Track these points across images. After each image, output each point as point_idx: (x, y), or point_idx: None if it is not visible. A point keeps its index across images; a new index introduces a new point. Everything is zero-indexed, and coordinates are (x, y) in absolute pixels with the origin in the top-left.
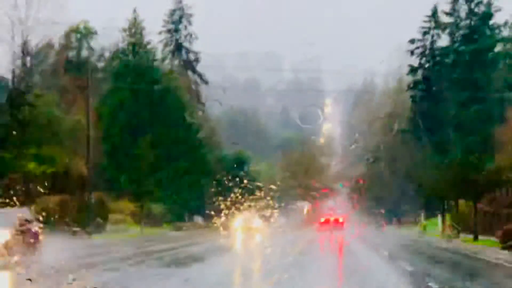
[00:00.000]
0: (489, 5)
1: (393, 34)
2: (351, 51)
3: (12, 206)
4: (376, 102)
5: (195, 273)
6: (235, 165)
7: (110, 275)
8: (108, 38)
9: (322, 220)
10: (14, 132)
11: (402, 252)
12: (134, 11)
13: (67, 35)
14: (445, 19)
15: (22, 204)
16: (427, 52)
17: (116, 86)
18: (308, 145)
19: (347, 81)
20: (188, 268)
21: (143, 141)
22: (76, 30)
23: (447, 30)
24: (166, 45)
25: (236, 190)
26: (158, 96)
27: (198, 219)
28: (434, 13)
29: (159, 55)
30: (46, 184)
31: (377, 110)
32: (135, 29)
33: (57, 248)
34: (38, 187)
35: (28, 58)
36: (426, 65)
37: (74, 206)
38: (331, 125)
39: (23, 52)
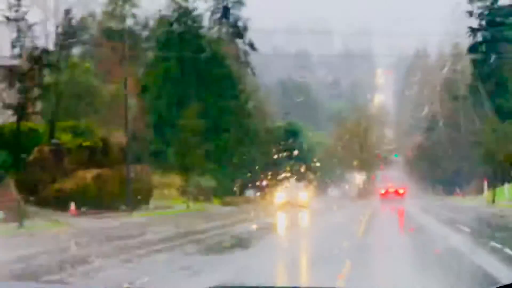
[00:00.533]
0: None
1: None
2: (402, 19)
3: None
4: (430, 70)
5: (238, 262)
6: (287, 136)
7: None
8: (152, 5)
9: (383, 191)
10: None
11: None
12: None
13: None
14: None
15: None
16: (487, 12)
17: (161, 55)
18: (361, 115)
19: (399, 51)
20: (230, 255)
21: (190, 112)
22: None
23: None
24: (213, 12)
25: (288, 162)
26: (205, 64)
27: (250, 193)
28: None
29: (206, 23)
30: (82, 157)
31: (433, 78)
32: None
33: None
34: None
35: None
36: (487, 26)
37: (114, 181)
38: (383, 96)
39: (65, 21)
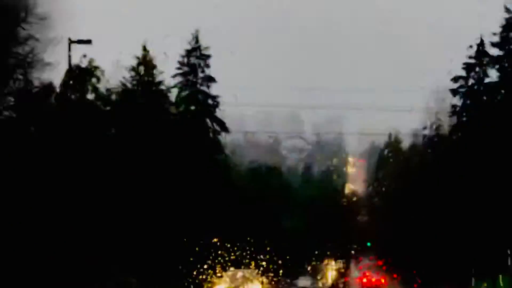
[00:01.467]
0: None
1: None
2: (374, 110)
3: None
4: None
5: None
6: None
7: None
8: (114, 80)
9: (365, 280)
10: None
11: None
12: (144, 48)
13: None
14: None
15: None
16: (472, 89)
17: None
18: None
19: (371, 140)
20: None
21: None
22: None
23: (496, 66)
24: (181, 89)
25: None
26: None
27: None
28: (480, 46)
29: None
30: None
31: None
32: (144, 67)
33: None
34: None
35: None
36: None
37: None
38: (355, 184)
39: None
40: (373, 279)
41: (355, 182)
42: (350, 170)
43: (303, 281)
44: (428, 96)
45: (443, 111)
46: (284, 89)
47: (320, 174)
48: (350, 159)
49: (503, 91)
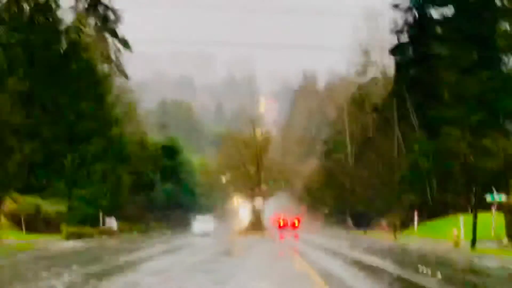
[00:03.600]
0: None
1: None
2: (288, 49)
3: None
4: (323, 93)
5: None
6: (164, 154)
7: None
8: None
9: (281, 223)
10: None
11: None
12: None
13: None
14: None
15: None
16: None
17: (4, 40)
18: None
19: (283, 80)
20: None
21: (38, 115)
22: None
23: None
24: (78, 0)
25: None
26: (61, 56)
27: (112, 223)
28: None
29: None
30: None
31: (334, 97)
32: None
33: None
34: None
35: None
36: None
37: None
38: (268, 123)
39: None
40: (288, 220)
41: (267, 123)
42: (262, 110)
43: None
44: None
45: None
46: (196, 28)
47: (232, 113)
48: (262, 99)
49: None
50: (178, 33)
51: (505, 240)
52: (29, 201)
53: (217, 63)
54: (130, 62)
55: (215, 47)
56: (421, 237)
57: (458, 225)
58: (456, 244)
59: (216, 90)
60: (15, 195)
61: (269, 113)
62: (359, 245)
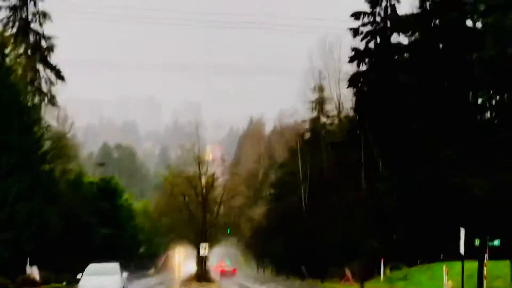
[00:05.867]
0: None
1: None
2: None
3: None
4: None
5: None
6: (101, 196)
7: None
8: None
9: (221, 268)
10: None
11: None
12: None
13: None
14: None
15: None
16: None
17: None
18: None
19: (230, 126)
20: None
21: None
22: None
23: None
24: (5, 25)
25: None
26: None
27: (34, 271)
28: None
29: None
30: None
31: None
32: None
33: None
34: None
35: None
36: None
37: None
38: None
39: None
40: (227, 269)
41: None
42: (208, 156)
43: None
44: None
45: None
46: (141, 72)
47: (177, 158)
48: (208, 146)
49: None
50: (125, 79)
51: None
52: None
53: (163, 109)
54: (76, 107)
55: (162, 93)
56: None
57: (438, 275)
58: None
59: (161, 136)
60: None
61: (215, 159)
62: None
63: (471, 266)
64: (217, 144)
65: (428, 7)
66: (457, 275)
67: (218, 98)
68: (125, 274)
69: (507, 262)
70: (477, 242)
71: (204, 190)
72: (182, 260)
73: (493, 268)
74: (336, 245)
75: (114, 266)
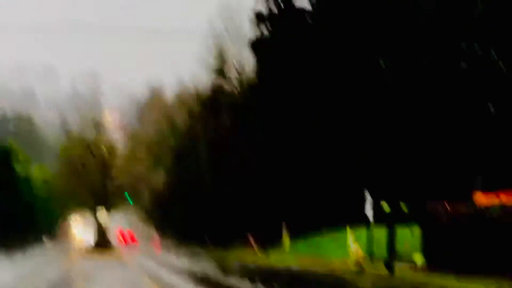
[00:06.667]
0: None
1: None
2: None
3: None
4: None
5: None
6: None
7: None
8: None
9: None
10: None
11: None
12: None
13: None
14: None
15: None
16: None
17: None
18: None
19: (129, 93)
20: None
21: None
22: None
23: None
24: None
25: None
26: None
27: None
28: None
29: None
30: None
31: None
32: None
33: None
34: None
35: None
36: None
37: None
38: (114, 135)
39: None
40: (129, 237)
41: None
42: (108, 122)
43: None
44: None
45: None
46: (39, 38)
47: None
48: (108, 112)
49: None
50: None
51: (420, 260)
52: None
53: (61, 76)
54: None
55: (59, 60)
56: (300, 256)
57: (344, 242)
58: (360, 266)
59: (60, 104)
60: None
61: (115, 125)
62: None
63: (378, 232)
64: (116, 111)
65: None
66: (364, 241)
67: (118, 63)
68: None
69: (414, 227)
70: (385, 207)
71: (103, 157)
72: (82, 228)
73: (400, 233)
74: (239, 212)
75: None
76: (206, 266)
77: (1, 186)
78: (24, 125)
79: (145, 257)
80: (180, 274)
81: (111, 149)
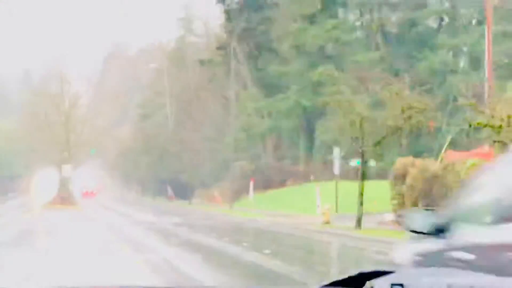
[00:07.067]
0: None
1: None
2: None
3: None
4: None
5: None
6: None
7: None
8: None
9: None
10: None
11: None
12: None
13: None
14: None
15: None
16: None
17: None
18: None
19: (94, 45)
20: None
21: None
22: None
23: None
24: None
25: None
26: None
27: None
28: None
29: None
30: None
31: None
32: None
33: None
34: None
35: None
36: None
37: None
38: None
39: None
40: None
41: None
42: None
43: None
44: None
45: None
46: None
47: (40, 78)
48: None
49: None
50: None
51: (389, 216)
52: None
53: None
54: None
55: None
56: (265, 210)
57: (310, 197)
58: (327, 221)
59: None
60: None
61: (79, 78)
62: (202, 224)
63: (344, 186)
64: (81, 63)
65: None
66: (331, 196)
67: (82, 16)
68: None
69: (382, 183)
70: (354, 163)
71: (67, 109)
72: (45, 182)
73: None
74: (204, 166)
75: None
76: (172, 220)
77: None
78: None
79: (108, 211)
80: (137, 225)
81: (74, 102)
